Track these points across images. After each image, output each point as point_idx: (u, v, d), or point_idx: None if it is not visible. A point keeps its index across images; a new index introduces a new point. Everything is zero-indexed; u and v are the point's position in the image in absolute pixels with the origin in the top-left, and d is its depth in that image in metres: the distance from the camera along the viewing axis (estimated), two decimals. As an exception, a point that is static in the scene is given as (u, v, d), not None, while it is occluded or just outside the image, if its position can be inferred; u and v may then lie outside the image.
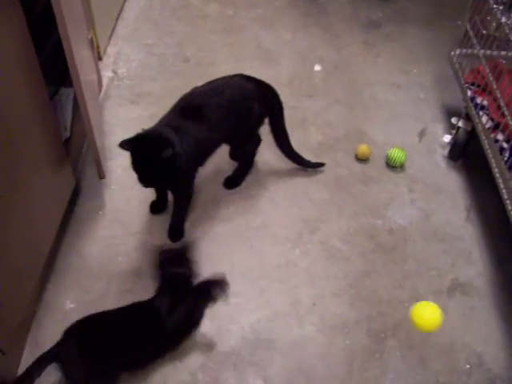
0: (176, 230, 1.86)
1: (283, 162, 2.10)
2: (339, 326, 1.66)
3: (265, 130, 1.97)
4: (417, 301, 1.71)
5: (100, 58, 2.47)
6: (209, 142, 1.78)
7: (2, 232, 1.33)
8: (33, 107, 1.48)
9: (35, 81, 1.48)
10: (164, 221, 1.89)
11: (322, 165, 2.11)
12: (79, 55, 1.63)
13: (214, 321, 1.62)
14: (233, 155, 1.98)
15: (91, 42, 2.09)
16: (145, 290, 1.64)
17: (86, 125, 1.71)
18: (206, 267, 1.63)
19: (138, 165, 1.59)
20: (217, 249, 1.84)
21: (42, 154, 1.58)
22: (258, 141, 2.02)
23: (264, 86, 1.90)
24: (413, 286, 1.77)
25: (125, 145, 1.58)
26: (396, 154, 2.11)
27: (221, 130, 1.77)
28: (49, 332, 1.58)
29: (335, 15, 2.97)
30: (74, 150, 1.93)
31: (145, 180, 1.63)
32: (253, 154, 2.05)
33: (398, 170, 2.15)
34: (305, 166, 2.10)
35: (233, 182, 2.04)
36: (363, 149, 2.15)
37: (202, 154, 1.80)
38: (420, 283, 1.78)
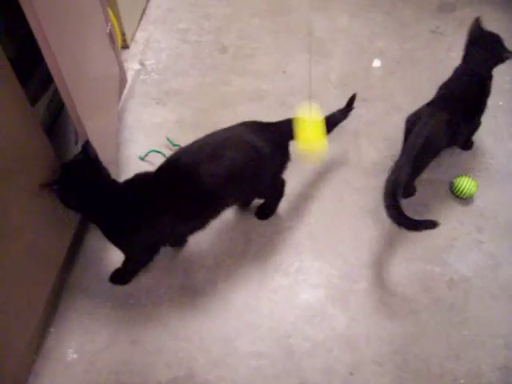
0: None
1: (326, 187, 1.80)
2: (379, 404, 1.40)
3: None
4: (475, 379, 1.42)
5: (127, 46, 2.19)
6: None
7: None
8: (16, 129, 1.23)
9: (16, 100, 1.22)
10: (186, 259, 1.66)
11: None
12: (71, 55, 1.37)
13: (231, 388, 1.40)
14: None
15: (110, 34, 1.80)
16: (155, 342, 1.46)
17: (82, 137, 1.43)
18: (225, 316, 1.49)
19: None
20: (240, 294, 1.59)
21: (34, 180, 1.33)
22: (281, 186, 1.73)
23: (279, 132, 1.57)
24: (472, 358, 1.47)
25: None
26: (465, 184, 1.76)
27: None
28: (46, 386, 1.40)
29: (401, -5, 2.54)
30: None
31: None
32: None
33: (465, 201, 1.80)
34: None
35: (265, 211, 1.75)
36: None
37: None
38: (482, 355, 1.48)
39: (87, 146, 1.38)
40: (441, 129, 1.63)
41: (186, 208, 1.42)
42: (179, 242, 1.65)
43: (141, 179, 1.44)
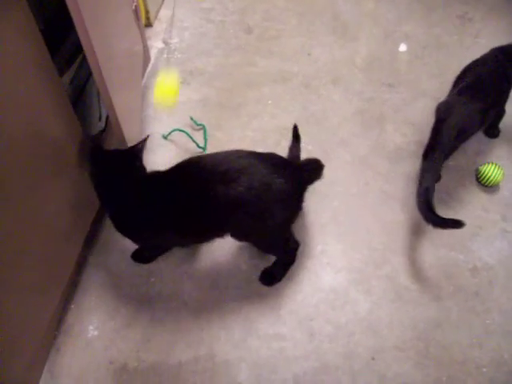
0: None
1: (351, 171, 1.78)
2: (400, 390, 1.39)
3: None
4: (498, 367, 1.40)
5: (150, 24, 2.17)
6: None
7: (19, 240, 1.15)
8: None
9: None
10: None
11: None
12: (100, 29, 1.35)
13: (253, 368, 1.39)
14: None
15: (136, 11, 1.78)
16: (176, 321, 1.45)
17: (110, 114, 1.43)
18: (247, 297, 1.50)
19: None
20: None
21: (61, 156, 1.34)
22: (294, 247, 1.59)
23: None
24: (495, 347, 1.45)
25: None
26: (491, 171, 1.73)
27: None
28: (67, 362, 1.42)
29: (429, -21, 2.49)
30: (109, 143, 1.67)
31: None
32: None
33: (490, 189, 1.77)
34: None
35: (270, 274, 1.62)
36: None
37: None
38: (504, 343, 1.46)
39: (146, 139, 1.41)
40: (473, 118, 1.61)
41: (182, 220, 1.37)
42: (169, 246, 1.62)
43: (152, 179, 1.40)
